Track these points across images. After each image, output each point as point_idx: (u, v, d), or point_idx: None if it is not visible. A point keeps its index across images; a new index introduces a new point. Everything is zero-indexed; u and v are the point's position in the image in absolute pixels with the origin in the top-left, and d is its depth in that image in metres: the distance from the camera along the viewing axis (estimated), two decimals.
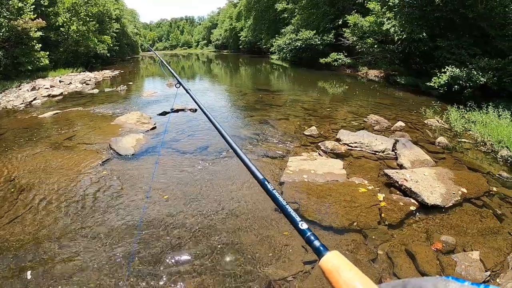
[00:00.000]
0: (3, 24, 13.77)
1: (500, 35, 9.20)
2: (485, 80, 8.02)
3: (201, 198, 3.61)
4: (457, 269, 2.50)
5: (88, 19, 22.82)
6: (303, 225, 0.64)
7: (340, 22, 18.91)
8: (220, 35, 68.85)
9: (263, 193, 0.74)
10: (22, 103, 9.93)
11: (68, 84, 14.32)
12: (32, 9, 15.50)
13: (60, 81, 14.64)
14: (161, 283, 2.36)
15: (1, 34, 13.81)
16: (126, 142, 5.46)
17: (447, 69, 8.78)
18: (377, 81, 14.33)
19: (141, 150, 5.27)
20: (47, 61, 16.58)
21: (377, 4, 13.50)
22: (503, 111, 6.34)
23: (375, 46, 13.56)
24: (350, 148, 5.12)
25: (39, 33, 15.62)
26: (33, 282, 2.39)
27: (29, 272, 2.47)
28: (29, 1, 15.25)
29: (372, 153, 4.91)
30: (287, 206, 0.69)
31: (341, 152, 4.95)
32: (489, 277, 2.47)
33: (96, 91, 12.64)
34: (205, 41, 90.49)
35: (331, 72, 17.90)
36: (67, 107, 9.09)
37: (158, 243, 2.80)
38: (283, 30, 25.45)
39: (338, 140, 5.42)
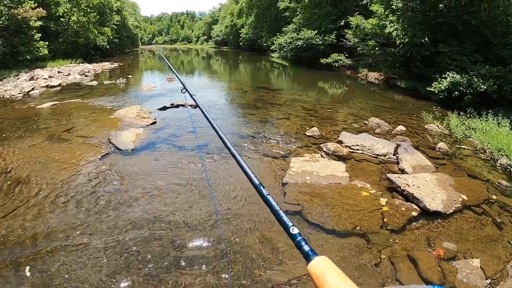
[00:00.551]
0: (3, 12, 13.57)
1: (502, 43, 9.26)
2: (485, 87, 8.06)
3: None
4: (458, 276, 2.52)
5: (88, 10, 22.60)
6: (294, 230, 0.68)
7: (342, 23, 18.85)
8: (221, 31, 68.42)
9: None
10: (20, 93, 9.78)
11: (67, 75, 14.13)
12: None
13: (58, 72, 14.48)
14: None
15: (0, 22, 13.60)
16: (126, 136, 5.40)
17: (448, 75, 8.80)
18: (377, 83, 14.35)
19: (141, 145, 5.22)
20: (46, 51, 16.40)
21: (380, 7, 13.49)
22: (502, 119, 6.38)
23: (377, 48, 13.54)
24: (352, 150, 5.10)
25: (39, 23, 15.45)
26: (31, 278, 2.35)
27: (27, 268, 2.43)
28: None
29: (373, 157, 4.91)
30: (280, 211, 0.73)
31: (343, 155, 4.94)
32: (489, 285, 2.49)
33: (95, 83, 12.51)
34: (205, 37, 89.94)
35: (331, 72, 17.89)
36: (65, 99, 8.97)
37: (159, 242, 2.77)
38: (284, 28, 25.28)
39: (340, 142, 5.40)
